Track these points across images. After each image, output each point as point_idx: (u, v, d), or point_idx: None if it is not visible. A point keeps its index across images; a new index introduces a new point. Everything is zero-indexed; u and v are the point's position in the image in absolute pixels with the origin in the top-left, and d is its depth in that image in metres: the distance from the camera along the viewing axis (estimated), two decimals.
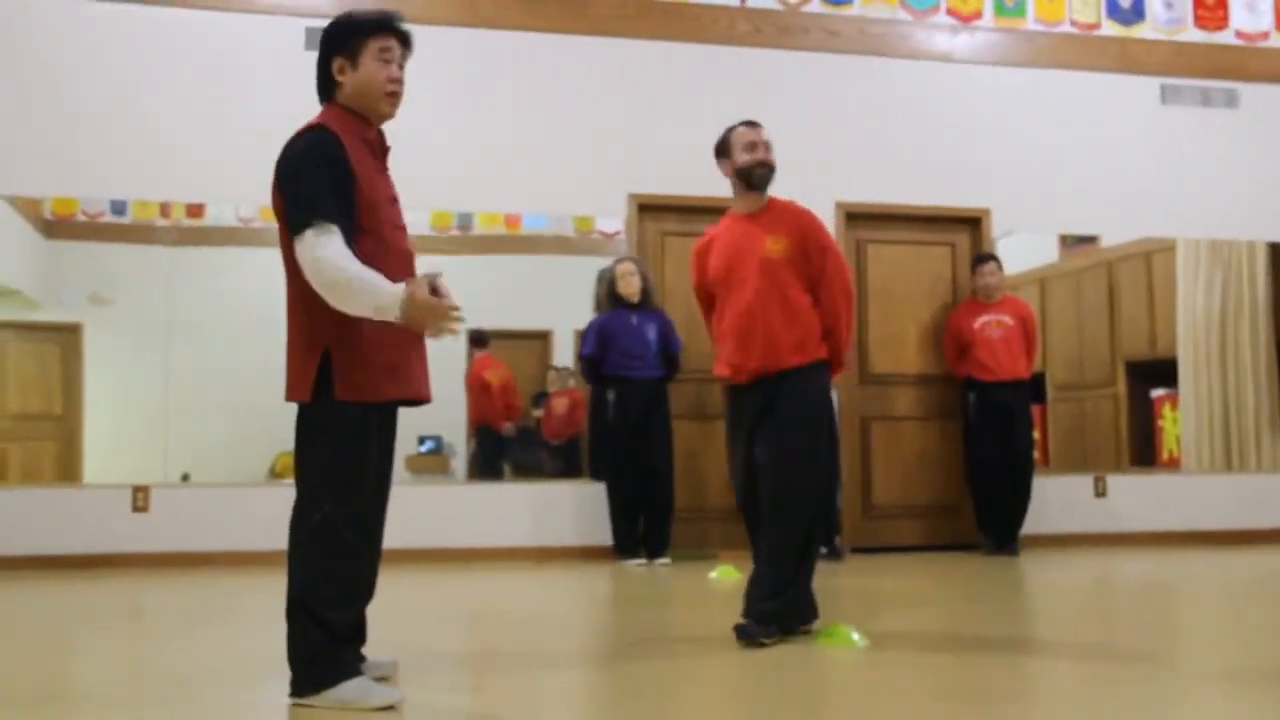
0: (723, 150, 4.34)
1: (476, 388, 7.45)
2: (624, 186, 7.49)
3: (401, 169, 3.55)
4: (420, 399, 3.21)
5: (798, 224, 4.23)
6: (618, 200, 7.50)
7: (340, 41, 3.19)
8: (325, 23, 7.07)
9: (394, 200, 3.23)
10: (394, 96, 3.20)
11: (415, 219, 2.92)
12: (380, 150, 3.24)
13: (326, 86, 3.22)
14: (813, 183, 7.62)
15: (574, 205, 7.50)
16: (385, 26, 3.20)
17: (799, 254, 4.17)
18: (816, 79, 7.91)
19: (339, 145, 3.06)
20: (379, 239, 3.12)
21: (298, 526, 3.07)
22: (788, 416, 4.11)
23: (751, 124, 4.34)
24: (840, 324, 4.20)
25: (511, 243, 7.39)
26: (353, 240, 3.03)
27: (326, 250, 2.93)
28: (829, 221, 7.73)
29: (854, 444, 7.76)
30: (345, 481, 3.06)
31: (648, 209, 7.58)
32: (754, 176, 4.25)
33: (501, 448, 7.59)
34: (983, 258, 7.78)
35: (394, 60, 3.21)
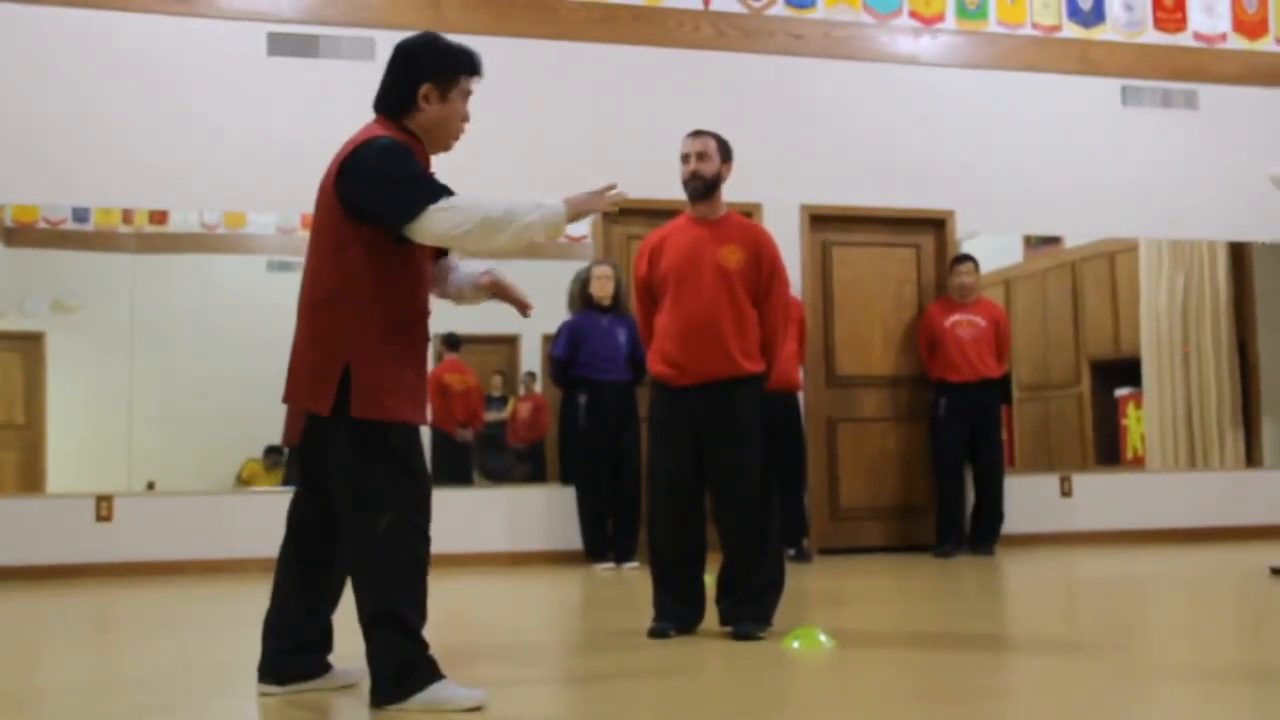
0: None
1: (435, 391, 7.34)
2: (590, 190, 7.34)
3: None
4: (424, 422, 3.16)
5: (754, 239, 4.34)
6: None
7: (435, 68, 3.15)
8: (289, 29, 7.29)
9: None
10: (458, 138, 3.26)
11: None
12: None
13: (398, 103, 3.16)
14: (778, 185, 7.68)
15: None
16: (480, 71, 3.21)
17: (751, 268, 4.28)
18: (781, 82, 7.88)
19: (413, 150, 3.11)
20: (412, 255, 3.11)
21: (363, 538, 3.00)
22: (748, 419, 4.21)
23: (694, 133, 4.39)
24: (778, 341, 4.36)
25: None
26: (397, 249, 3.03)
27: (458, 206, 2.93)
28: (794, 224, 7.72)
29: (820, 446, 7.72)
30: (396, 488, 3.00)
31: (614, 213, 7.16)
32: (686, 188, 4.34)
33: (459, 453, 7.49)
34: (960, 258, 7.83)
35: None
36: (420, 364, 3.16)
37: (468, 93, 3.20)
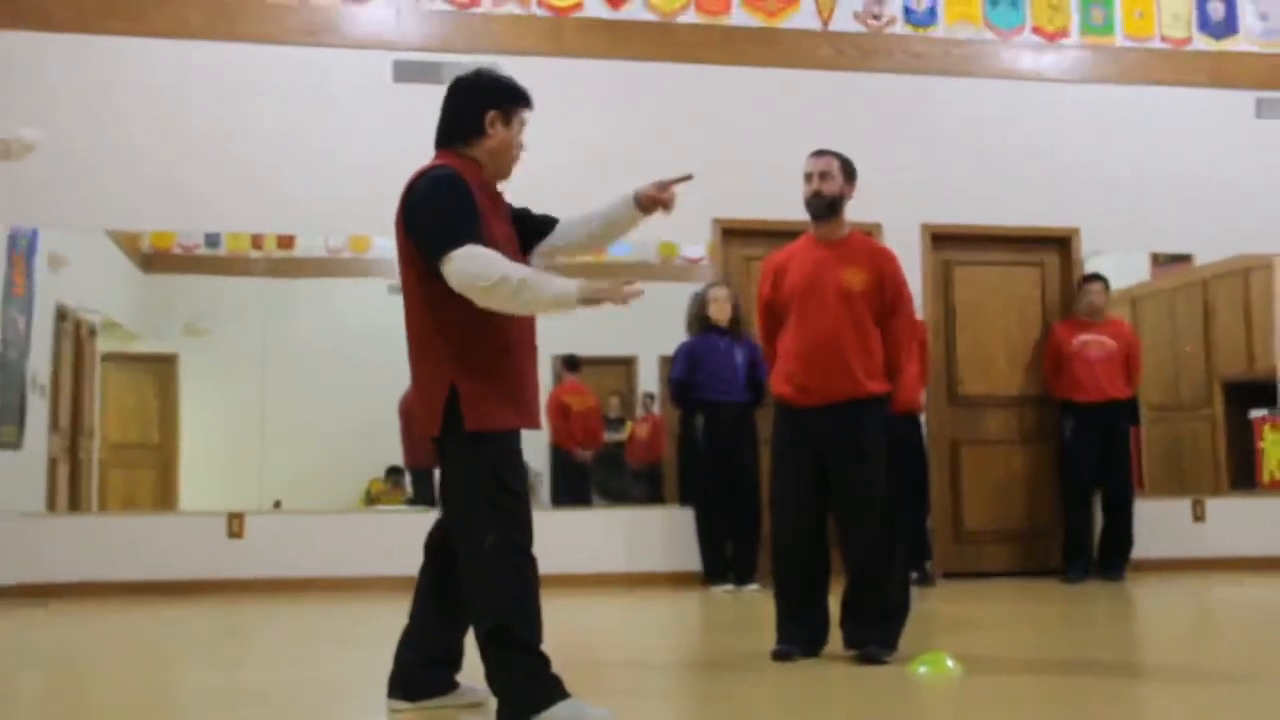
0: None
1: (555, 411, 7.44)
2: (708, 211, 7.34)
3: None
4: (536, 426, 3.23)
5: (878, 261, 4.33)
6: (702, 225, 7.38)
7: (499, 97, 3.26)
8: (414, 56, 7.44)
9: (510, 240, 3.24)
10: (515, 164, 3.35)
11: None
12: (494, 196, 3.29)
13: (463, 131, 3.25)
14: (898, 205, 7.54)
15: (657, 231, 6.54)
16: (531, 104, 3.31)
17: (875, 289, 4.26)
18: (901, 101, 7.78)
19: (465, 182, 3.12)
20: None
21: (471, 558, 3.05)
22: (873, 441, 4.19)
23: (816, 153, 4.37)
24: (901, 362, 4.32)
25: (594, 269, 7.05)
26: None
27: (481, 257, 2.97)
28: (914, 244, 7.61)
29: (944, 467, 7.59)
30: (498, 508, 3.04)
31: (733, 234, 7.49)
32: (809, 208, 4.32)
33: (578, 474, 7.56)
34: (1090, 277, 7.66)
35: None
36: (522, 369, 3.19)
37: (524, 123, 3.29)
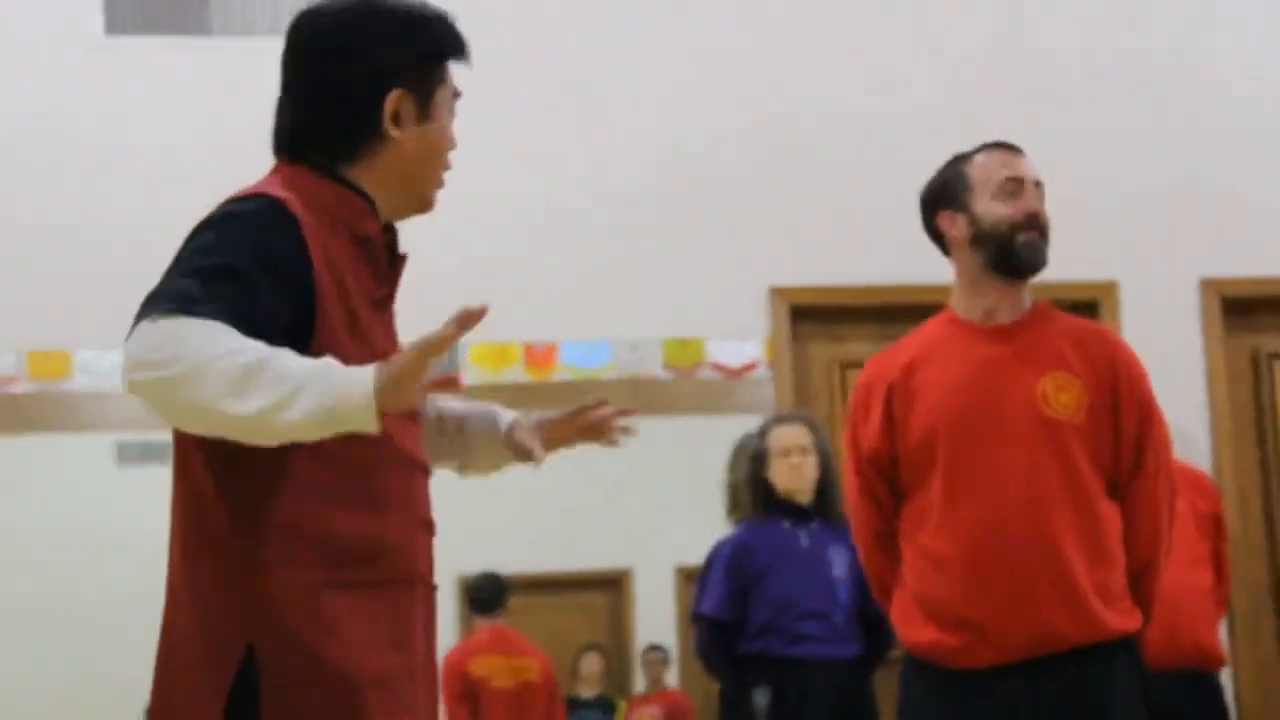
0: (947, 193, 3.88)
1: (457, 694, 6.18)
2: (761, 275, 6.26)
3: None
4: None
5: (1104, 357, 3.81)
6: (750, 302, 6.31)
7: (407, 57, 2.74)
8: None
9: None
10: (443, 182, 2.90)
11: None
12: (384, 267, 2.74)
13: (348, 138, 2.75)
14: (1149, 241, 6.48)
15: (661, 317, 6.29)
16: (466, 53, 2.88)
17: (1102, 413, 3.73)
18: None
19: (297, 230, 2.63)
20: (370, 438, 2.54)
21: None
22: None
23: (1007, 147, 3.89)
24: (1160, 555, 3.85)
25: (540, 396, 6.19)
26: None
27: (186, 329, 2.56)
28: (1188, 318, 6.41)
29: None
30: None
31: (808, 316, 6.28)
32: (1017, 250, 3.76)
33: None
34: None
35: None
36: (397, 628, 2.76)
37: (455, 97, 2.82)
